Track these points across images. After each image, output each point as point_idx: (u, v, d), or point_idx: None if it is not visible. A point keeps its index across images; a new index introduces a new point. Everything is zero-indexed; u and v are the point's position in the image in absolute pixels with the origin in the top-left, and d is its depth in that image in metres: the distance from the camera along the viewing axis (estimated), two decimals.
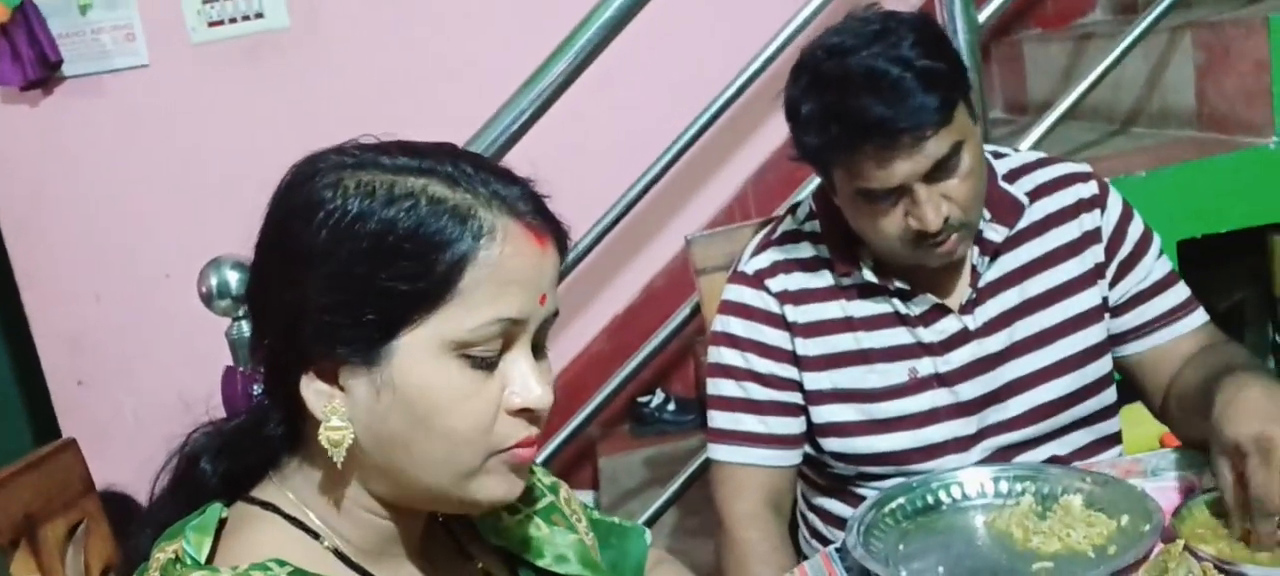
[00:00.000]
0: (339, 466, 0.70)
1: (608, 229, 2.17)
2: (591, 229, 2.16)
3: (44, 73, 2.55)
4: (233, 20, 2.61)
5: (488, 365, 0.70)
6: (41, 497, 1.22)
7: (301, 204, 0.70)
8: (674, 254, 2.65)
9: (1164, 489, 1.08)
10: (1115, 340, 1.27)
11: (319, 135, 0.77)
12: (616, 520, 0.99)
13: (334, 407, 0.69)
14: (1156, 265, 1.26)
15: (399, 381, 0.69)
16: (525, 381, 0.72)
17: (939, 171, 1.12)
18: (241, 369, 0.77)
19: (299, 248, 0.69)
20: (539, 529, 0.88)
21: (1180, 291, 1.27)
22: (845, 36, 1.12)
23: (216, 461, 0.75)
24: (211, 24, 2.61)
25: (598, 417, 2.31)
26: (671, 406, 2.56)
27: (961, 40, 1.78)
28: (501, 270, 0.69)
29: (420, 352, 0.69)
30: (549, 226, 0.73)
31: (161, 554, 0.70)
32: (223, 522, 0.73)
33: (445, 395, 0.69)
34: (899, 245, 1.17)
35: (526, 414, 0.72)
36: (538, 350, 0.75)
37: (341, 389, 0.70)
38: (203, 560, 0.69)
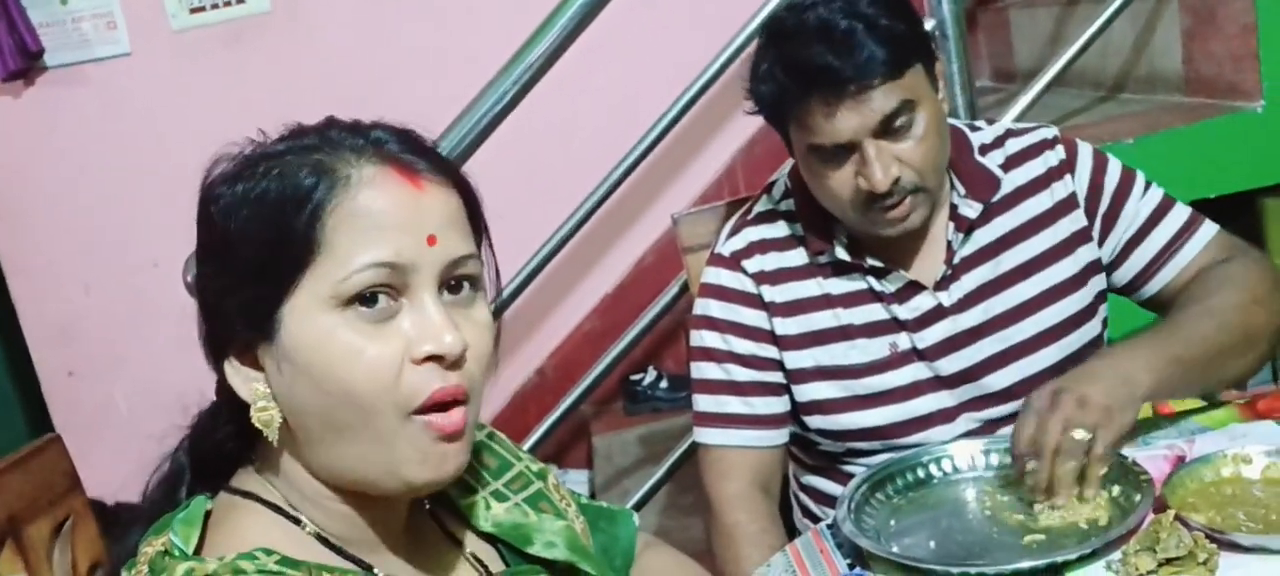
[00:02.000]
0: (274, 445, 0.72)
1: (596, 206, 2.16)
2: (579, 206, 2.14)
3: (25, 63, 2.52)
4: (214, 5, 2.58)
5: (381, 316, 0.69)
6: (25, 496, 1.21)
7: (202, 199, 0.73)
8: (664, 230, 2.64)
9: (1153, 458, 1.07)
10: (1129, 289, 1.27)
11: (301, 119, 0.77)
12: (605, 504, 0.99)
13: (257, 389, 0.70)
14: (1143, 204, 1.24)
15: (291, 348, 0.69)
16: (427, 326, 0.69)
17: (889, 129, 1.12)
18: None
19: (203, 240, 0.73)
20: (527, 515, 0.87)
21: (1177, 216, 1.24)
22: None
23: (190, 456, 0.77)
24: (193, 10, 2.58)
25: (590, 396, 2.30)
26: (664, 383, 2.56)
27: (947, 9, 1.76)
28: (367, 215, 0.68)
29: (305, 315, 0.68)
30: (431, 166, 0.72)
31: (149, 548, 0.70)
32: (209, 514, 0.74)
33: (337, 353, 0.68)
34: (851, 209, 1.17)
35: (436, 361, 0.69)
36: (461, 293, 0.72)
37: (262, 369, 0.71)
38: (190, 552, 0.70)
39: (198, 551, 0.70)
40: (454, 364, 0.70)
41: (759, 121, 1.22)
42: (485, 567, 0.83)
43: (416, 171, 0.70)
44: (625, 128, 2.21)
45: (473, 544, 0.85)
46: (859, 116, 1.10)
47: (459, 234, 0.72)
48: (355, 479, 0.72)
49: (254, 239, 0.69)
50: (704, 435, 1.29)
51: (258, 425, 0.70)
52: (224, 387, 0.73)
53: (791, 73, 1.12)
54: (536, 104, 1.80)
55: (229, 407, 0.74)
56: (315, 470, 0.73)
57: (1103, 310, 1.28)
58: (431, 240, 0.70)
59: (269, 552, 0.69)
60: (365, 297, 0.68)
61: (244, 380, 0.71)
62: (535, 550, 0.85)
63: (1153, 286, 1.25)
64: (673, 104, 2.14)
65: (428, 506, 0.85)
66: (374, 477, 0.71)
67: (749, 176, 2.63)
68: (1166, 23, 2.05)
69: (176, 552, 0.69)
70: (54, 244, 2.67)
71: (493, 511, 0.86)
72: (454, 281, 0.72)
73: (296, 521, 0.74)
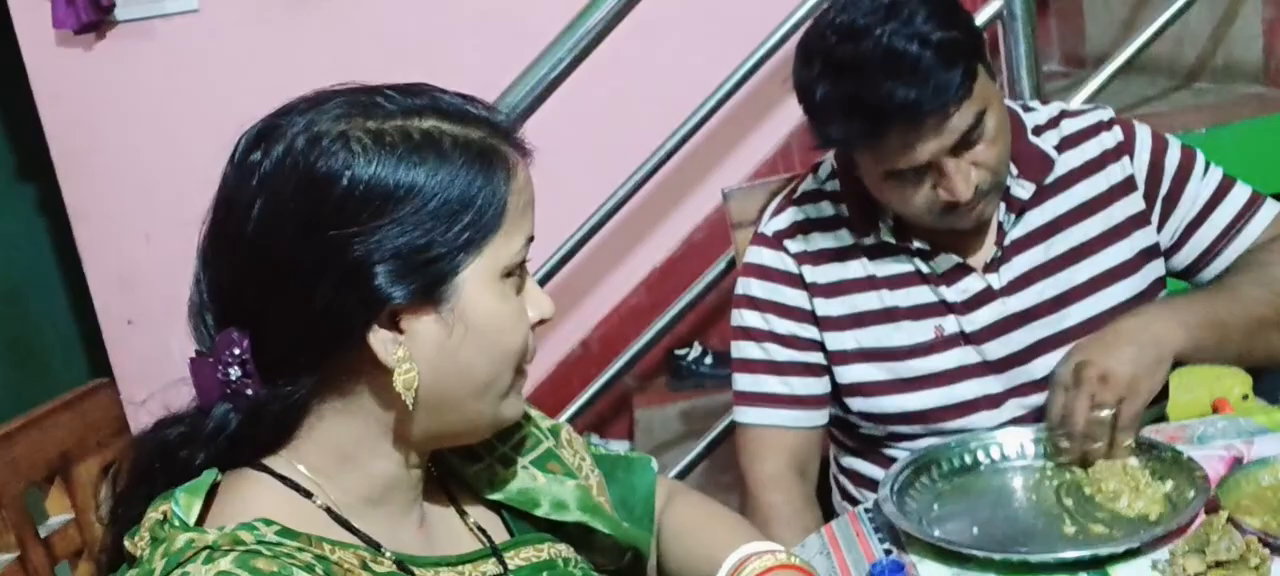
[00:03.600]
0: (410, 409, 0.72)
1: (647, 178, 2.14)
2: (629, 178, 2.13)
3: (97, 16, 2.57)
4: None
5: (519, 284, 0.76)
6: (75, 437, 1.25)
7: (322, 174, 0.69)
8: (715, 206, 2.61)
9: (1209, 458, 1.04)
10: (1189, 273, 1.24)
11: (364, 78, 0.77)
12: (621, 453, 0.98)
13: (401, 354, 0.71)
14: (1203, 185, 1.22)
15: (467, 312, 0.72)
16: (536, 294, 0.78)
17: (965, 142, 1.10)
18: (209, 357, 0.75)
19: (330, 215, 0.69)
20: (535, 479, 0.87)
21: (1238, 196, 1.22)
22: (855, 14, 1.08)
23: (222, 442, 0.73)
24: None
25: (635, 369, 2.30)
26: (709, 359, 2.55)
27: None
28: (523, 194, 0.75)
29: (482, 283, 0.73)
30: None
31: (154, 513, 0.70)
32: (217, 485, 0.72)
33: (504, 318, 0.74)
34: (930, 216, 1.15)
35: (540, 325, 0.78)
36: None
37: (403, 332, 0.72)
38: (191, 522, 0.68)
39: (202, 520, 0.69)
40: None
41: None
42: (489, 537, 0.82)
43: (527, 155, 0.77)
44: (680, 100, 2.19)
45: (477, 514, 0.84)
46: (938, 141, 1.08)
47: None
48: (459, 426, 0.77)
49: (431, 211, 0.70)
50: (742, 414, 1.29)
51: (400, 388, 0.71)
52: (300, 369, 0.71)
53: (863, 111, 1.07)
54: (592, 73, 1.79)
55: (303, 390, 0.71)
56: (412, 431, 0.74)
57: (1160, 297, 1.25)
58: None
59: (269, 522, 0.68)
60: (511, 270, 0.74)
61: (390, 346, 0.71)
62: (542, 513, 0.85)
63: (1214, 268, 1.22)
64: (729, 77, 2.11)
65: (434, 472, 0.84)
66: (476, 426, 0.77)
67: (805, 153, 2.59)
68: (1248, 11, 1.97)
69: (176, 522, 0.68)
70: (117, 194, 2.73)
71: (498, 478, 0.86)
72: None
73: (308, 494, 0.73)
